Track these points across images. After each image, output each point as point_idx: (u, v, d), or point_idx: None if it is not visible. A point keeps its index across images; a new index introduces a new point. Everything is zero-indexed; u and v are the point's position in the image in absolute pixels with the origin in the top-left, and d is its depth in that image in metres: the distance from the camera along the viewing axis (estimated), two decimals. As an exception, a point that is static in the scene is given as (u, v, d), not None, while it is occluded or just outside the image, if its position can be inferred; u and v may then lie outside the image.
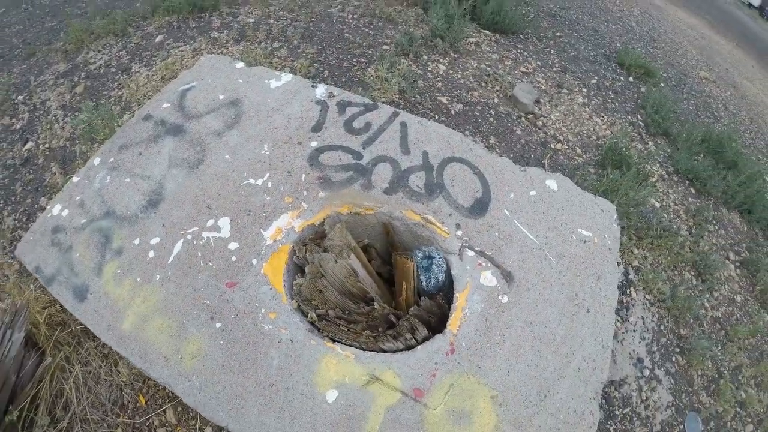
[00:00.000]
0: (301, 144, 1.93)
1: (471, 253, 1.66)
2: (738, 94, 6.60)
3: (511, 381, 1.43)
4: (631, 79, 4.47)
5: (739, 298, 2.92)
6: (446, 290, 1.67)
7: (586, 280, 1.69)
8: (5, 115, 3.21)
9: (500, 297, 1.57)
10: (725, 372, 2.50)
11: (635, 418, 2.12)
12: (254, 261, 1.61)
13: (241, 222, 1.71)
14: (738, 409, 2.42)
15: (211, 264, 1.60)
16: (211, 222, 1.71)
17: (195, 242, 1.66)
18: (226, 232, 1.68)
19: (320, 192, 1.81)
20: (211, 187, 1.81)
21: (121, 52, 3.50)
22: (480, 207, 1.79)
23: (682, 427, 2.21)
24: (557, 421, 1.40)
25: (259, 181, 1.82)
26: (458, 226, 1.73)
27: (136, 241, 1.70)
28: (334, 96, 2.12)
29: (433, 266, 1.65)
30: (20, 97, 3.33)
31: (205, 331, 1.48)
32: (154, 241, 1.69)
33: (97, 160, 2.00)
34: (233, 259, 1.62)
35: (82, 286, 1.64)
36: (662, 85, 4.82)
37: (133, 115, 2.76)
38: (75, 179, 1.95)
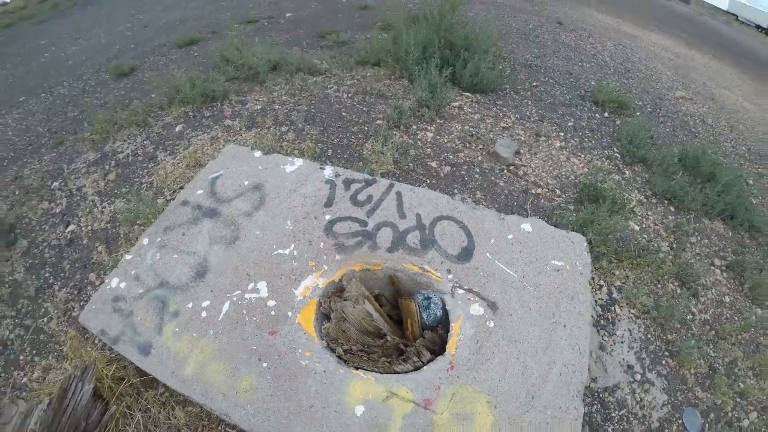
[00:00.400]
0: (317, 218, 2.54)
1: (461, 291, 2.20)
2: (716, 105, 7.09)
3: (502, 387, 1.92)
4: (606, 114, 5.05)
5: (727, 299, 3.26)
6: (444, 322, 2.19)
7: (561, 301, 2.21)
8: (43, 200, 3.83)
9: (487, 323, 2.09)
10: (719, 367, 2.82)
11: (632, 418, 2.47)
12: (289, 313, 2.15)
13: (276, 284, 2.27)
14: (738, 399, 2.70)
15: (254, 318, 2.15)
16: (251, 286, 2.27)
17: (239, 302, 2.22)
18: (265, 293, 2.24)
19: (337, 255, 2.39)
20: (247, 258, 2.39)
21: (145, 142, 4.22)
22: (466, 254, 2.35)
23: (680, 421, 2.52)
24: (546, 417, 1.87)
25: (287, 251, 2.40)
26: (449, 271, 2.28)
27: (190, 305, 2.25)
28: (339, 175, 2.76)
29: (432, 305, 2.18)
30: (56, 184, 3.98)
31: (255, 369, 1.99)
32: (205, 303, 2.24)
33: (145, 241, 2.59)
34: (272, 313, 2.16)
35: (146, 343, 2.17)
36: (638, 114, 5.36)
37: (166, 200, 3.40)
38: (128, 257, 2.54)
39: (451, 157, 3.78)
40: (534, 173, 3.77)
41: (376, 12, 7.65)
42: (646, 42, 10.47)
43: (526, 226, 2.52)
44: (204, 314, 2.20)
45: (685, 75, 8.30)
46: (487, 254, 2.36)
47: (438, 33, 4.79)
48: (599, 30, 9.94)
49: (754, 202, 4.24)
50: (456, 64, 4.69)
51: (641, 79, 6.98)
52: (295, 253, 2.40)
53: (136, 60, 6.69)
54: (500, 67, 5.24)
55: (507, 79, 5.19)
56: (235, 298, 2.23)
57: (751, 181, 4.64)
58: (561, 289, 2.25)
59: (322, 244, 2.44)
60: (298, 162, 2.90)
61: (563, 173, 3.86)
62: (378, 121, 4.15)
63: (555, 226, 2.92)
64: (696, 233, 3.65)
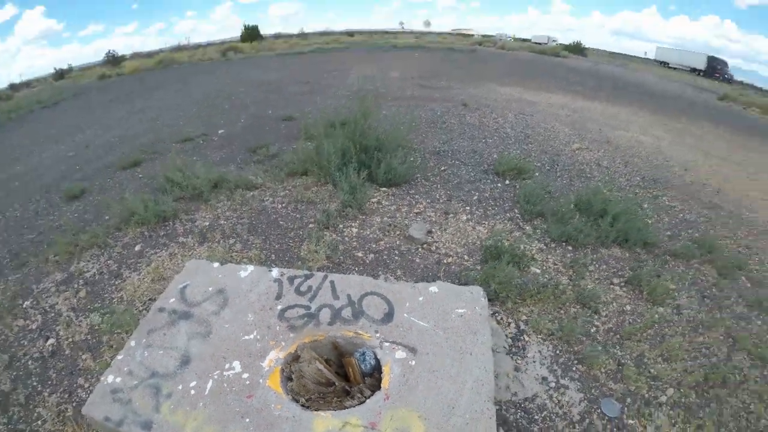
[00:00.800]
0: (272, 309, 3.45)
1: (387, 344, 3.12)
2: (611, 147, 8.33)
3: (428, 405, 2.76)
4: (507, 182, 6.20)
5: (629, 308, 3.91)
6: (378, 368, 3.06)
7: (466, 337, 3.14)
8: (18, 318, 4.26)
9: (410, 362, 2.99)
10: (628, 362, 3.34)
11: (554, 417, 3.02)
12: (261, 380, 2.96)
13: (247, 361, 3.09)
14: (652, 382, 3.18)
15: (234, 388, 2.94)
16: (227, 365, 3.08)
17: (220, 379, 3.00)
18: (239, 369, 3.05)
19: (290, 333, 3.27)
20: (221, 346, 3.21)
21: (108, 261, 4.92)
22: (388, 317, 3.30)
23: (599, 411, 3.04)
24: (465, 420, 2.69)
25: (251, 336, 3.25)
26: (377, 332, 3.21)
27: (180, 387, 2.99)
28: (284, 274, 3.73)
29: (366, 357, 3.07)
30: (27, 303, 4.45)
31: (240, 424, 2.75)
32: (192, 384, 2.99)
33: (133, 342, 3.32)
34: (247, 382, 2.96)
35: (147, 421, 2.82)
36: (536, 174, 6.47)
37: (138, 310, 4.11)
38: (119, 357, 3.23)
39: (373, 246, 4.81)
40: (445, 246, 4.83)
41: (300, 121, 8.90)
42: (545, 104, 12.03)
43: (433, 288, 3.51)
44: (193, 392, 2.95)
45: (581, 127, 9.71)
46: (405, 314, 3.31)
47: (353, 140, 6.00)
48: (501, 103, 11.47)
49: (649, 222, 5.21)
50: (371, 165, 5.86)
51: (540, 141, 8.25)
52: (258, 336, 3.25)
53: (84, 182, 7.38)
54: (411, 159, 6.47)
55: (418, 168, 6.40)
56: (216, 376, 3.02)
57: (646, 205, 5.69)
58: (465, 328, 3.20)
59: (278, 327, 3.31)
60: (250, 268, 3.82)
61: (470, 241, 4.94)
62: (310, 225, 5.18)
63: (464, 284, 3.92)
64: (594, 262, 4.54)
